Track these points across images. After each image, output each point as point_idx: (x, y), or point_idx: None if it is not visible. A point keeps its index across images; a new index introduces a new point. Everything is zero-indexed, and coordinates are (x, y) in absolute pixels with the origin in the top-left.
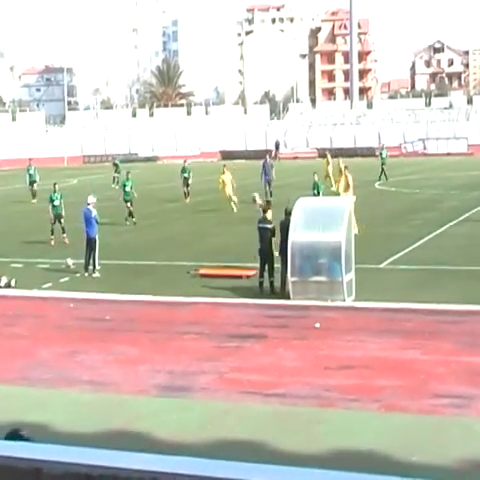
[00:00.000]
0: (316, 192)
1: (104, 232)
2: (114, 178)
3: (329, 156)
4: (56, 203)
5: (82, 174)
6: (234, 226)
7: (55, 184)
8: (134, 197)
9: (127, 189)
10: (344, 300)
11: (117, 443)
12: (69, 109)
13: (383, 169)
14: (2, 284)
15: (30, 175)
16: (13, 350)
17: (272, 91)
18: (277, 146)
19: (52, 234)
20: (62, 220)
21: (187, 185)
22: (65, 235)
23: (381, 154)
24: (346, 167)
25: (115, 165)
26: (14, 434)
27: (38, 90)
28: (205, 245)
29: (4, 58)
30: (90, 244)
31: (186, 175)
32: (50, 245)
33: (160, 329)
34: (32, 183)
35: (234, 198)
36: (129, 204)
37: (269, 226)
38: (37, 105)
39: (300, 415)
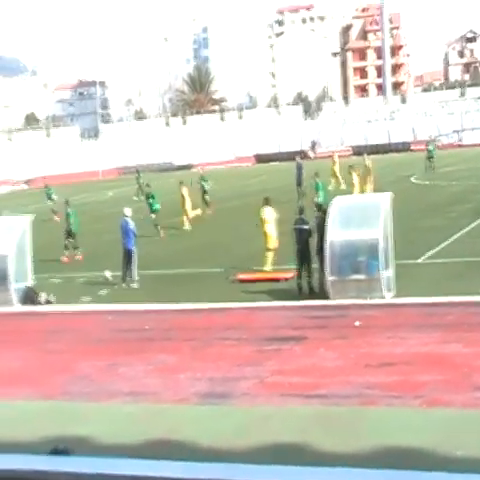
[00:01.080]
0: (320, 193)
1: (140, 243)
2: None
3: (336, 156)
4: (71, 220)
5: (117, 186)
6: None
7: (67, 201)
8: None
9: (150, 201)
10: (383, 297)
11: (159, 452)
12: (103, 122)
13: (430, 161)
14: (42, 300)
15: (48, 194)
16: (54, 365)
17: (305, 91)
18: (313, 146)
19: (66, 249)
20: (73, 237)
21: (204, 192)
22: (76, 251)
23: (429, 146)
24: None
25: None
26: (56, 451)
27: (72, 105)
28: (242, 250)
29: (37, 76)
30: (128, 255)
31: (204, 184)
32: (62, 262)
33: (199, 336)
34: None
35: (191, 213)
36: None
37: (306, 227)
38: (71, 120)
39: (342, 415)
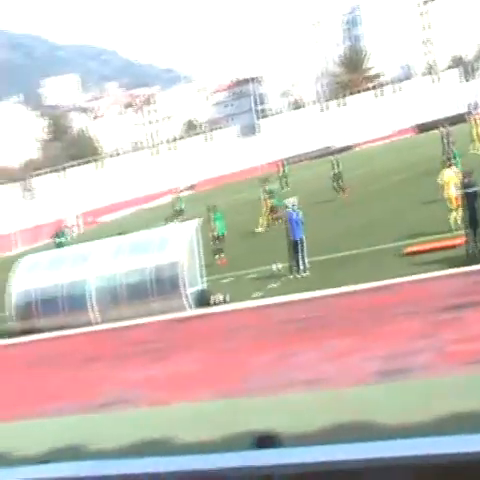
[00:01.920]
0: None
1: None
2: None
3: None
4: (217, 223)
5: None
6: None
7: (214, 206)
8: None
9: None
10: None
11: (349, 435)
12: (261, 117)
13: None
14: (216, 301)
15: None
16: (230, 363)
17: (461, 53)
18: (476, 108)
19: (215, 254)
20: (221, 240)
21: (338, 179)
22: (221, 256)
23: None
24: None
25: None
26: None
27: (229, 105)
28: (406, 223)
29: (193, 82)
30: (296, 245)
31: (335, 171)
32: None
33: (371, 316)
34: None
35: None
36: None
37: (475, 190)
38: (231, 120)
39: None
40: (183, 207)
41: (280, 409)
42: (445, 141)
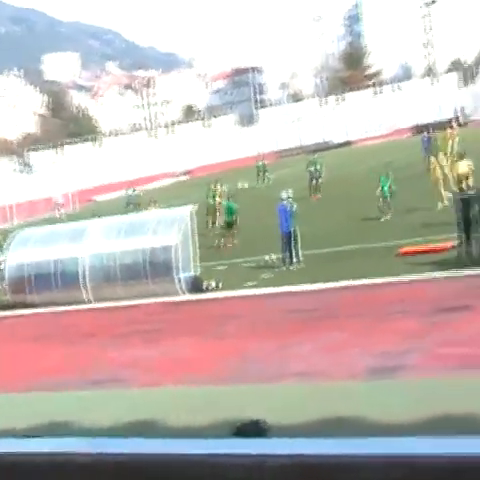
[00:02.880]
0: None
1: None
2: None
3: None
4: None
5: (276, 169)
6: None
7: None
8: None
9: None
10: None
11: (334, 430)
12: (260, 107)
13: None
14: (209, 287)
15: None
16: (223, 350)
17: (461, 58)
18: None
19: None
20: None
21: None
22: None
23: None
24: None
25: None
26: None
27: (228, 93)
28: (402, 222)
29: (194, 67)
30: (288, 238)
31: (312, 169)
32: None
33: (365, 312)
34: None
35: None
36: None
37: (467, 195)
38: (230, 108)
39: None
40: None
41: (270, 399)
42: (425, 147)
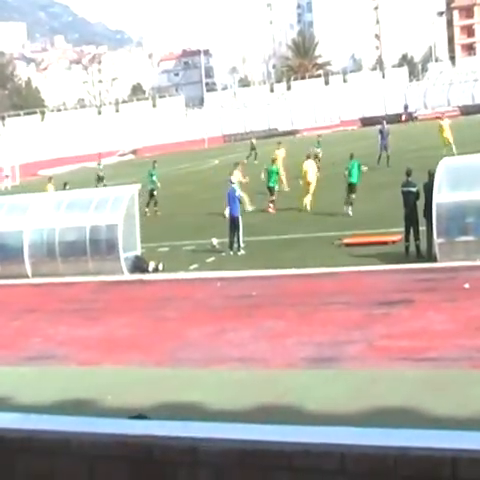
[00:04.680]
0: None
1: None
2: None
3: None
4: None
5: (223, 154)
6: (376, 192)
7: (154, 162)
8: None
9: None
10: None
11: (269, 417)
12: (207, 90)
13: None
14: (150, 269)
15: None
16: (163, 332)
17: (410, 53)
18: (406, 108)
19: (147, 206)
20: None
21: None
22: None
23: None
24: None
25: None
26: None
27: (176, 75)
28: (346, 214)
29: (143, 47)
30: (234, 223)
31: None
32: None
33: (307, 301)
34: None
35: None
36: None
37: (413, 189)
38: (176, 90)
39: (453, 378)
40: (102, 174)
41: (209, 383)
42: (382, 135)
